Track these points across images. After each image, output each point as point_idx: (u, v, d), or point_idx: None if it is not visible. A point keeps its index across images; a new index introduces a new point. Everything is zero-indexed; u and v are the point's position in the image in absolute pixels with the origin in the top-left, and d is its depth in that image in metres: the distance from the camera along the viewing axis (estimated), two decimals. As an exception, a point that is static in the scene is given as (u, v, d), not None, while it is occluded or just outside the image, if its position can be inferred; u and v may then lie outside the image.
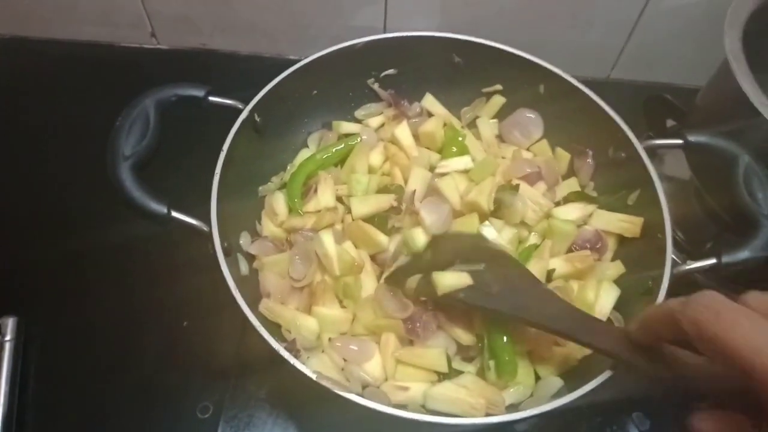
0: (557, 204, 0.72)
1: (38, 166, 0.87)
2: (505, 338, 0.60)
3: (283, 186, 0.72)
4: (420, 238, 0.64)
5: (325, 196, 0.69)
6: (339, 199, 0.71)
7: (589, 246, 0.67)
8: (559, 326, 0.55)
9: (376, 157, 0.73)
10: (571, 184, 0.74)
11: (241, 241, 0.66)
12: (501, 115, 0.80)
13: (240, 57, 1.03)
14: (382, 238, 0.66)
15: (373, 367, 0.61)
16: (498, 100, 0.79)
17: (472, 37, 0.74)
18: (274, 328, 0.62)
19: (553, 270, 0.66)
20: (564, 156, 0.76)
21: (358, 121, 0.79)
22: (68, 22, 1.00)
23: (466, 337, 0.62)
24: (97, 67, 0.99)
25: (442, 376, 0.62)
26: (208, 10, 0.97)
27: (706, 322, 0.34)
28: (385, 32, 0.86)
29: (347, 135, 0.77)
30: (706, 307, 0.35)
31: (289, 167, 0.74)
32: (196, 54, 1.03)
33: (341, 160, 0.74)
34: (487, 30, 0.76)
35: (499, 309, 0.57)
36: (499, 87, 0.78)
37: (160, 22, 1.00)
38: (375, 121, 0.79)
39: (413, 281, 0.62)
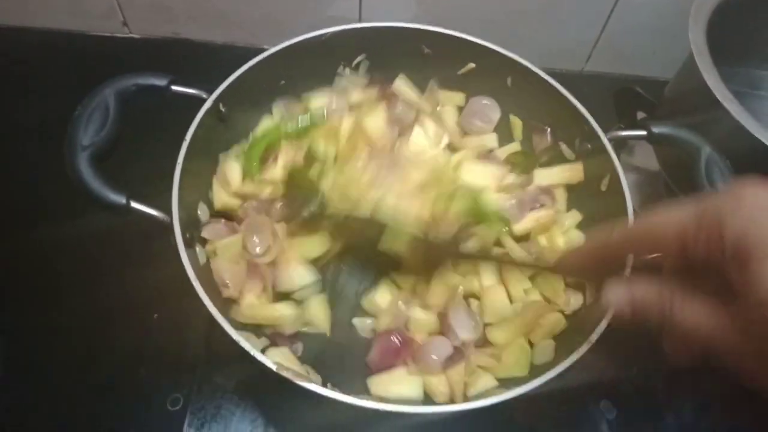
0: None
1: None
2: None
3: (240, 154, 0.71)
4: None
5: (283, 165, 0.68)
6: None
7: (539, 204, 0.71)
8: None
9: (345, 125, 0.71)
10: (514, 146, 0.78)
11: (199, 212, 0.65)
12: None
13: (213, 46, 1.02)
14: None
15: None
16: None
17: (440, 28, 0.74)
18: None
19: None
20: (517, 123, 0.78)
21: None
22: (40, 11, 0.99)
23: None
24: (68, 56, 0.98)
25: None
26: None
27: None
28: (360, 23, 0.86)
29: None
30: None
31: (251, 135, 0.73)
32: (169, 43, 1.01)
33: (305, 133, 0.72)
34: (461, 23, 0.76)
35: None
36: (472, 65, 0.77)
37: (132, 10, 0.98)
38: (354, 96, 0.77)
39: None
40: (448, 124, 0.77)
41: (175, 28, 1.01)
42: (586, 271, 0.50)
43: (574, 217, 0.72)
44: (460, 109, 0.81)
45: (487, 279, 0.67)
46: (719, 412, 0.73)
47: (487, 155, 0.77)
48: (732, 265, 0.33)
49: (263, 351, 0.58)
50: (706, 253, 0.35)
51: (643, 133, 0.65)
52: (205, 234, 0.65)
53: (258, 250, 0.64)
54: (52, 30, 1.00)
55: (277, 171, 0.68)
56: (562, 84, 0.71)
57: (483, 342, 0.66)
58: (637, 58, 0.98)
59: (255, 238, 0.65)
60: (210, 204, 0.68)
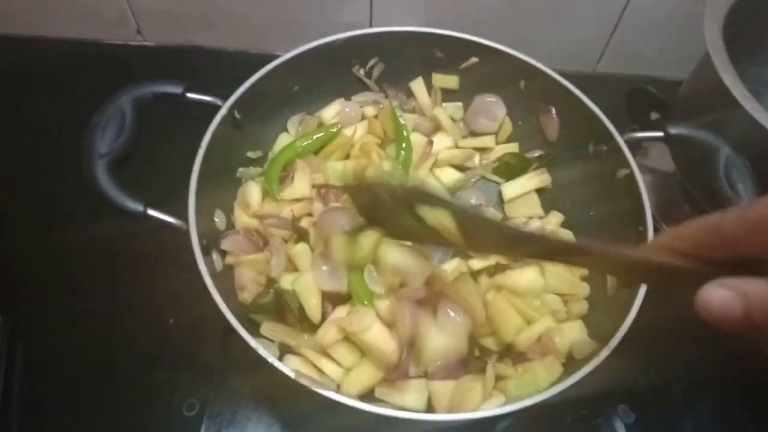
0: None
1: (20, 166, 0.87)
2: None
3: (260, 175, 0.72)
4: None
5: (301, 185, 0.69)
6: (316, 188, 0.70)
7: None
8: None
9: (359, 131, 0.73)
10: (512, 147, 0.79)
11: (215, 219, 0.66)
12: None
13: (226, 53, 1.02)
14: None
15: None
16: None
17: (451, 31, 0.74)
18: (254, 326, 0.62)
19: None
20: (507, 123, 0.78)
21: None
22: (53, 20, 1.00)
23: None
24: (83, 65, 0.98)
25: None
26: (193, 7, 0.96)
27: None
28: (371, 28, 0.86)
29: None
30: None
31: (270, 155, 0.74)
32: (182, 51, 1.02)
33: (321, 148, 0.74)
34: (471, 26, 0.76)
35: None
36: (475, 59, 0.77)
37: (146, 19, 0.99)
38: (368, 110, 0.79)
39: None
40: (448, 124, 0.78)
41: (187, 36, 1.02)
42: (685, 262, 0.38)
43: (557, 217, 0.72)
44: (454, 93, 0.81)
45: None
46: (737, 417, 0.72)
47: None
48: None
49: (280, 356, 0.59)
50: None
51: (660, 134, 0.64)
52: (225, 246, 0.66)
53: (275, 273, 0.65)
54: (68, 39, 1.01)
55: (295, 190, 0.69)
56: (573, 85, 0.71)
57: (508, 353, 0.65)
58: (649, 58, 0.97)
59: (274, 261, 0.65)
60: (227, 213, 0.69)
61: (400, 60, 0.78)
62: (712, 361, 0.74)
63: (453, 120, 0.81)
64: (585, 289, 0.67)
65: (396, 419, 0.52)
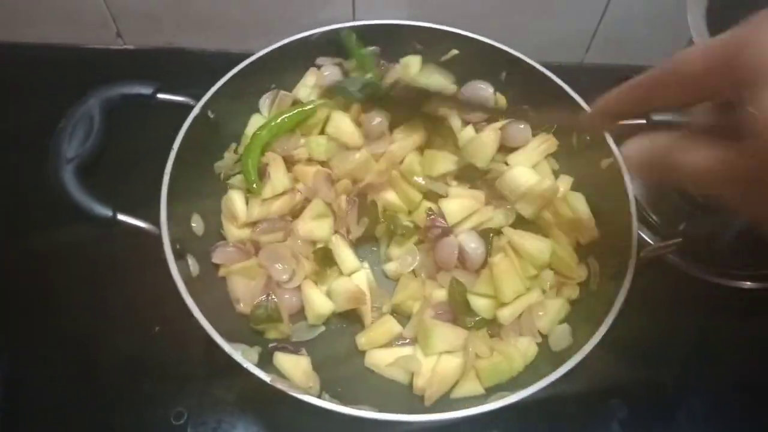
0: None
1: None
2: None
3: (237, 170, 0.70)
4: None
5: (279, 177, 0.67)
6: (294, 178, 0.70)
7: None
8: None
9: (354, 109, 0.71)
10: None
11: (193, 224, 0.65)
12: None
13: (208, 54, 1.01)
14: None
15: None
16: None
17: (431, 23, 0.72)
18: (233, 332, 0.60)
19: None
20: (501, 99, 0.76)
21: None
22: (33, 25, 0.99)
23: None
24: (62, 70, 0.97)
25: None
26: (173, 8, 0.95)
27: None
28: (348, 22, 0.85)
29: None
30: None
31: (243, 139, 0.71)
32: (163, 53, 1.01)
33: (297, 125, 0.71)
34: (458, 19, 0.75)
35: None
36: (455, 51, 0.75)
37: (125, 21, 0.98)
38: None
39: None
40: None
41: (168, 38, 1.00)
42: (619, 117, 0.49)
43: (567, 181, 0.72)
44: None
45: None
46: (730, 412, 0.70)
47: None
48: (745, 95, 0.33)
49: (271, 356, 0.59)
50: (719, 82, 0.35)
51: (642, 121, 0.63)
52: (216, 259, 0.65)
53: (285, 276, 0.65)
54: (48, 44, 1.00)
55: (275, 185, 0.67)
56: (561, 76, 0.70)
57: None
58: (636, 47, 0.95)
59: (278, 265, 0.65)
60: (204, 215, 0.67)
61: (379, 54, 0.76)
62: (704, 355, 0.73)
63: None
64: (582, 273, 0.66)
65: (376, 421, 0.51)
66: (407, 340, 0.65)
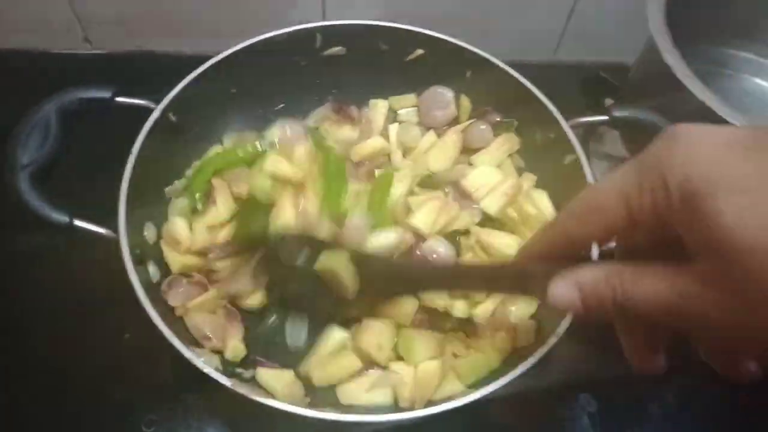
0: None
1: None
2: None
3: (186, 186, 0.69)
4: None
5: (222, 202, 0.66)
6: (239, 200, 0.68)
7: None
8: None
9: (299, 152, 0.69)
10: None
11: (145, 234, 0.63)
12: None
13: (179, 57, 0.99)
14: None
15: None
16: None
17: (395, 23, 0.72)
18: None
19: None
20: (465, 105, 0.76)
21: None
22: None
23: None
24: (28, 75, 0.96)
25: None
26: (143, 12, 0.94)
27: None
28: (310, 23, 0.84)
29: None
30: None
31: (195, 164, 0.70)
32: (134, 57, 0.99)
33: (254, 160, 0.70)
34: (429, 19, 0.74)
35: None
36: (420, 51, 0.75)
37: (93, 26, 0.97)
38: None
39: None
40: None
41: (138, 42, 0.99)
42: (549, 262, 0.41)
43: (530, 178, 0.72)
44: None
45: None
46: (702, 402, 0.71)
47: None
48: (683, 215, 0.30)
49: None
50: (653, 209, 0.32)
51: (605, 117, 0.63)
52: (172, 302, 0.62)
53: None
54: (13, 50, 0.99)
55: (219, 212, 0.66)
56: (532, 74, 0.69)
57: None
58: (604, 44, 0.96)
59: (241, 285, 0.63)
60: (159, 225, 0.66)
61: (345, 54, 0.76)
62: (673, 346, 0.73)
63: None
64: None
65: (343, 423, 0.51)
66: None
